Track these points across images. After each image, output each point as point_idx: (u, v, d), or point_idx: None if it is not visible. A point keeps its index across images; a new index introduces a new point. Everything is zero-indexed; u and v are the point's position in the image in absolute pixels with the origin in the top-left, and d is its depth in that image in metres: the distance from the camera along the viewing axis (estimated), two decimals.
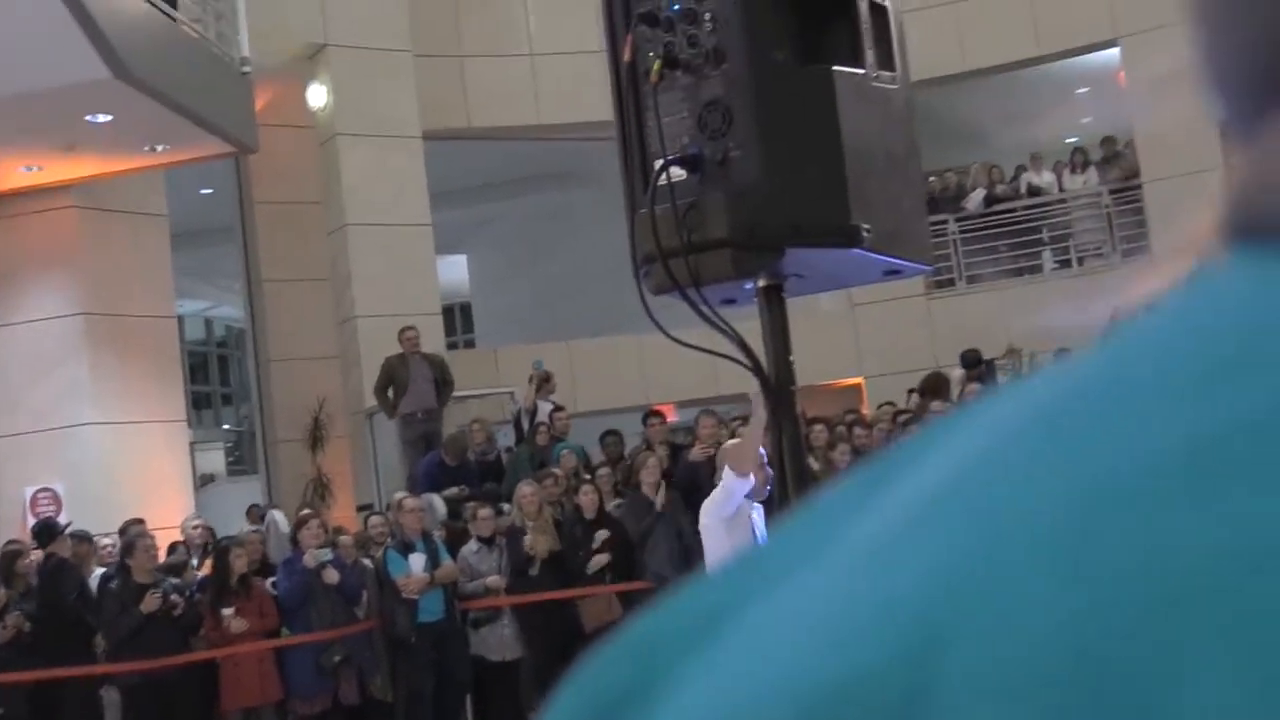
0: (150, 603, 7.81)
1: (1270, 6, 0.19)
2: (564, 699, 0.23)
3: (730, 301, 2.58)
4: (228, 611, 8.04)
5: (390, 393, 11.26)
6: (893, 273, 2.48)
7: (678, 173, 2.38)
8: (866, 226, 2.29)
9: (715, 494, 5.20)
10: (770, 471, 4.90)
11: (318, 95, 13.10)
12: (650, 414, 10.40)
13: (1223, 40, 0.21)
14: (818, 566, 0.20)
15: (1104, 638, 0.15)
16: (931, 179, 13.98)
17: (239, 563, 8.14)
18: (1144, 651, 0.15)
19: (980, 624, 0.16)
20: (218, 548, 8.53)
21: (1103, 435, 0.17)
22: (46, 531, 8.40)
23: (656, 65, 2.37)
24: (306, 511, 9.32)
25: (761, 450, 5.38)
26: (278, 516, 9.93)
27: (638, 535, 8.62)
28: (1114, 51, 14.30)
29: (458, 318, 21.12)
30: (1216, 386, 0.16)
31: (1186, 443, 0.16)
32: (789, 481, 2.46)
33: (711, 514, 5.15)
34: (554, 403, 11.43)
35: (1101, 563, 0.15)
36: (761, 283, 2.48)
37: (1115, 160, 14.51)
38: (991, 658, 0.16)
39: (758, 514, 5.15)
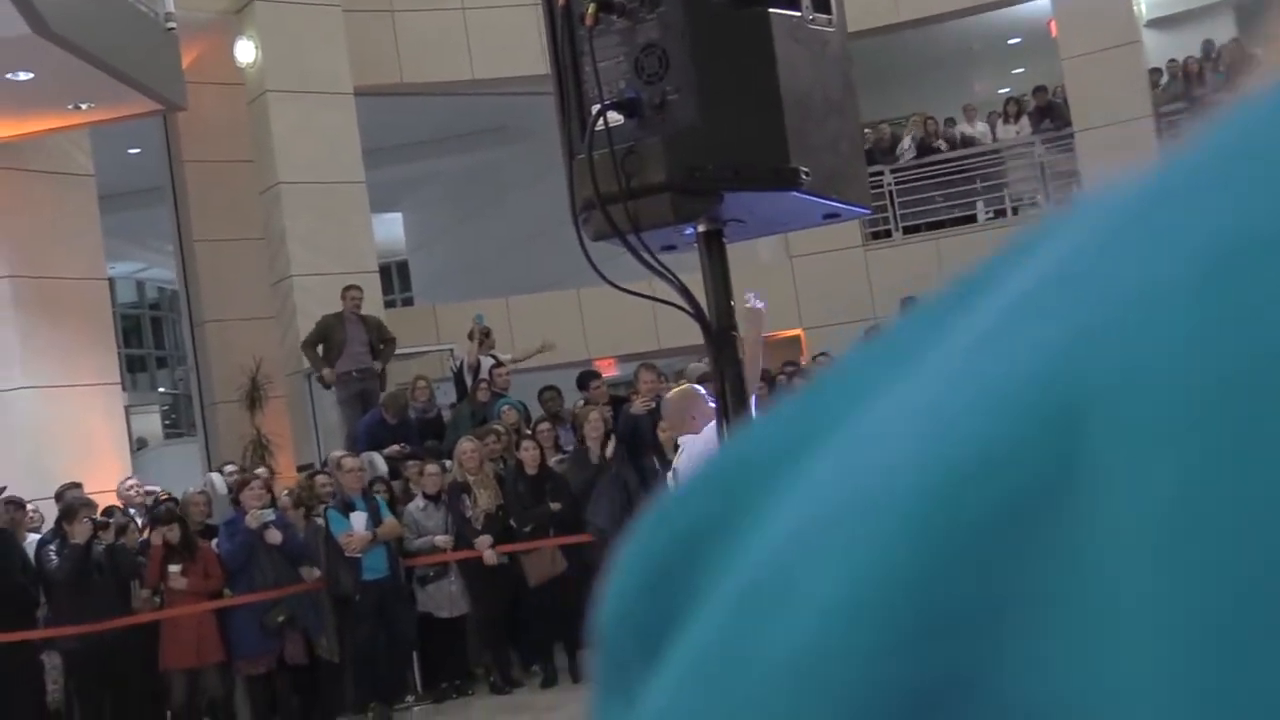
0: (81, 530, 7.71)
1: None
2: (643, 536, 0.22)
3: (670, 248, 2.58)
4: (174, 569, 7.98)
5: (321, 350, 11.16)
6: (832, 215, 2.49)
7: (615, 118, 2.36)
8: (805, 169, 2.29)
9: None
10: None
11: (246, 51, 12.87)
12: (587, 375, 10.38)
13: None
14: (918, 371, 0.20)
15: (1248, 390, 0.15)
16: (866, 130, 14.01)
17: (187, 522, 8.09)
18: None
19: (1126, 378, 0.16)
20: (166, 507, 8.44)
21: (1224, 200, 0.17)
22: None
23: (592, 9, 2.35)
24: (260, 470, 9.24)
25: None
26: (215, 479, 9.84)
27: (580, 489, 8.64)
28: (1045, 1, 14.39)
29: (395, 276, 20.95)
30: None
31: None
32: (731, 427, 2.47)
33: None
34: (495, 358, 11.39)
35: (1240, 312, 0.15)
36: (701, 228, 2.48)
37: (1048, 111, 14.64)
38: (1144, 409, 0.15)
39: None
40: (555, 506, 8.69)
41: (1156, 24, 15.12)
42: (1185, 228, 0.17)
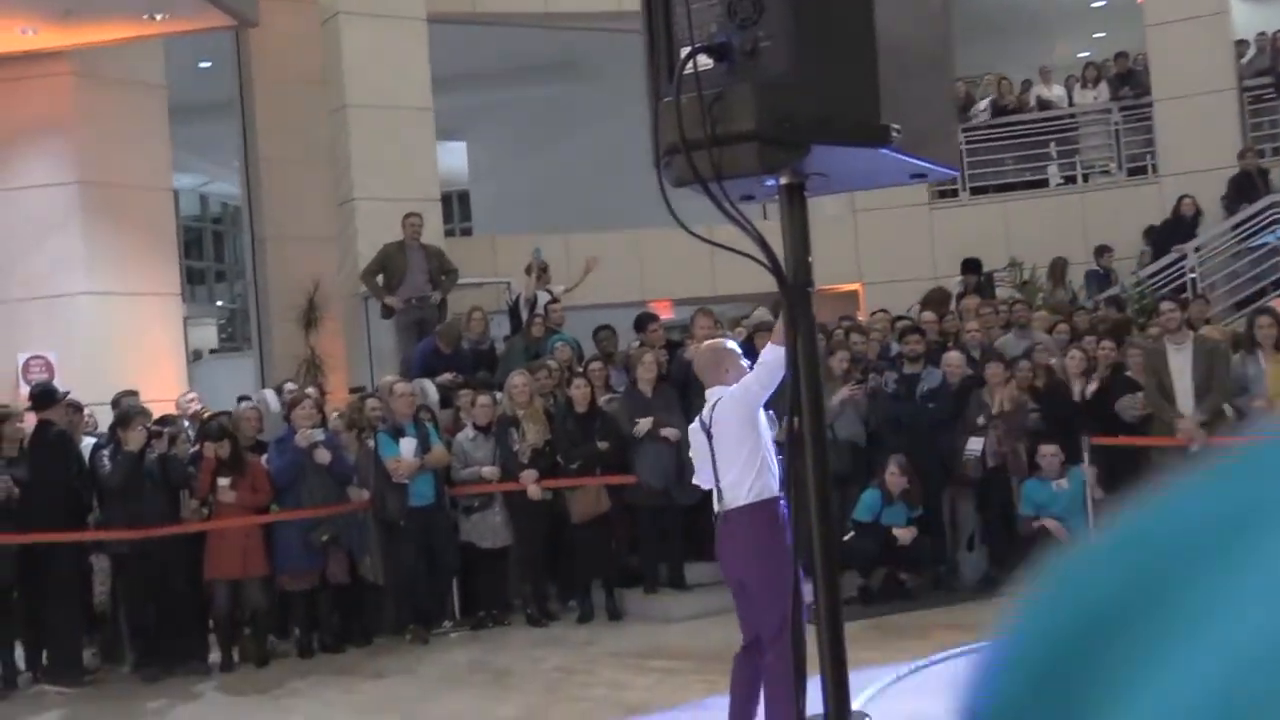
0: (135, 438, 7.82)
1: None
2: (1037, 611, 0.19)
3: (749, 198, 2.54)
4: (224, 481, 8.08)
5: (381, 279, 11.20)
6: (919, 175, 2.43)
7: (704, 62, 2.31)
8: (896, 126, 2.24)
9: (758, 373, 4.97)
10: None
11: None
12: (645, 317, 10.34)
13: None
14: None
15: None
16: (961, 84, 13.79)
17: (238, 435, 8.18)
18: None
19: None
20: (219, 423, 8.53)
21: None
22: (46, 396, 8.35)
23: None
24: (310, 389, 9.31)
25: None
26: (269, 395, 9.94)
27: (630, 436, 8.65)
28: None
29: (455, 205, 20.96)
30: None
31: None
32: (803, 383, 2.44)
33: (754, 397, 4.99)
34: (551, 293, 11.38)
35: None
36: (784, 180, 2.43)
37: (1127, 78, 14.33)
38: None
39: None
40: (603, 446, 8.71)
41: None
42: None
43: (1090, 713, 0.17)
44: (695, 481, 5.35)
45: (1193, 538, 0.18)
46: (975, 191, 14.30)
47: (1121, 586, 0.18)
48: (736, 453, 5.04)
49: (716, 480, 5.09)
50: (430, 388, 9.87)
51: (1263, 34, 14.05)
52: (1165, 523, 0.18)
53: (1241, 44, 13.92)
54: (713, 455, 5.09)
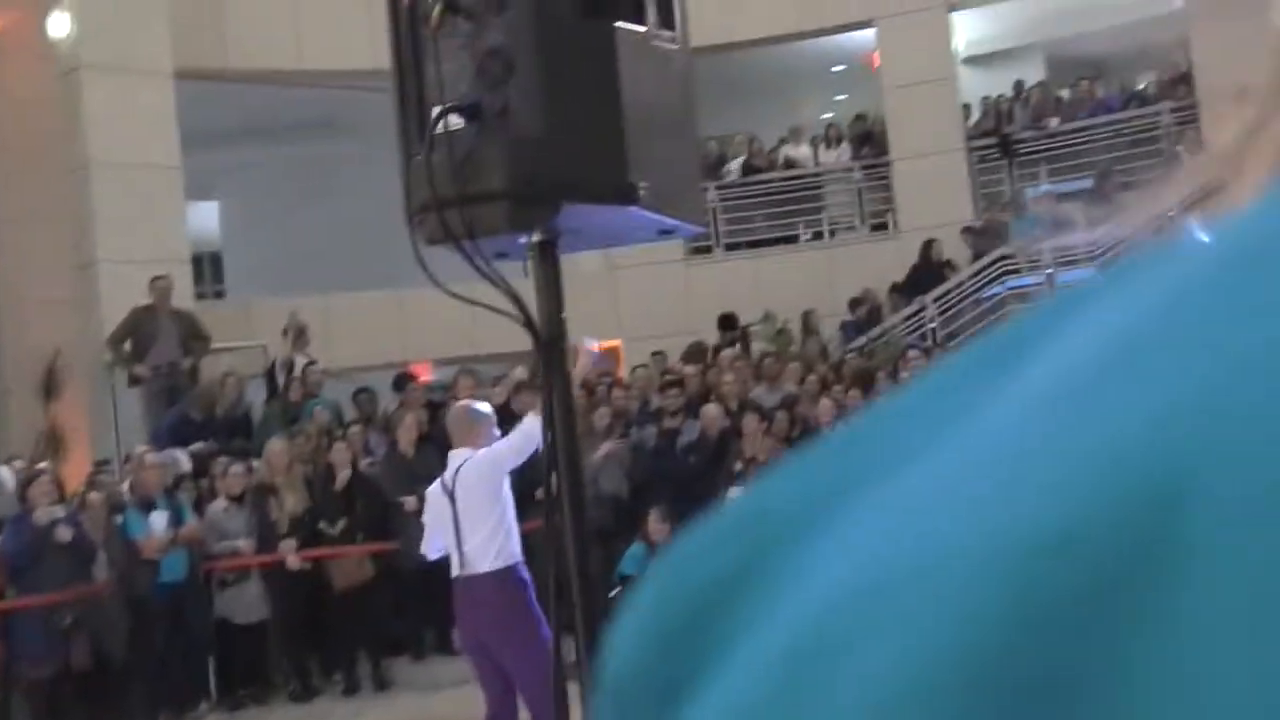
0: None
1: None
2: (656, 587, 0.21)
3: (503, 255, 2.55)
4: None
5: (128, 346, 10.73)
6: (667, 232, 2.50)
7: (455, 121, 2.33)
8: (644, 184, 2.30)
9: (512, 440, 4.99)
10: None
11: (59, 24, 12.30)
12: (403, 378, 10.22)
13: None
14: (972, 431, 0.18)
15: None
16: (712, 142, 14.22)
17: None
18: None
19: (1238, 455, 0.15)
20: None
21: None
22: None
23: (437, 10, 2.31)
24: (44, 463, 8.79)
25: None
26: (2, 472, 9.35)
27: (394, 495, 8.49)
28: (870, 33, 14.82)
29: (207, 267, 20.28)
30: None
31: None
32: (559, 439, 2.45)
33: (505, 463, 5.00)
34: (309, 357, 11.13)
35: None
36: (536, 237, 2.46)
37: (867, 138, 15.07)
38: (1244, 486, 0.15)
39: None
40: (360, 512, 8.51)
41: (971, 61, 15.72)
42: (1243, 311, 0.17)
43: (711, 664, 0.19)
44: (423, 549, 5.26)
45: (789, 510, 0.20)
46: (729, 248, 14.74)
47: (727, 561, 0.20)
48: (483, 517, 5.01)
49: (459, 544, 5.03)
50: (182, 458, 9.48)
51: (987, 97, 15.03)
52: (767, 499, 0.20)
53: (968, 107, 14.85)
54: (456, 519, 5.04)
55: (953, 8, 14.40)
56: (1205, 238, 0.19)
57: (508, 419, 6.09)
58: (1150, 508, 0.16)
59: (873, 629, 0.17)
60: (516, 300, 2.41)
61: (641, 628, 0.20)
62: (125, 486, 8.52)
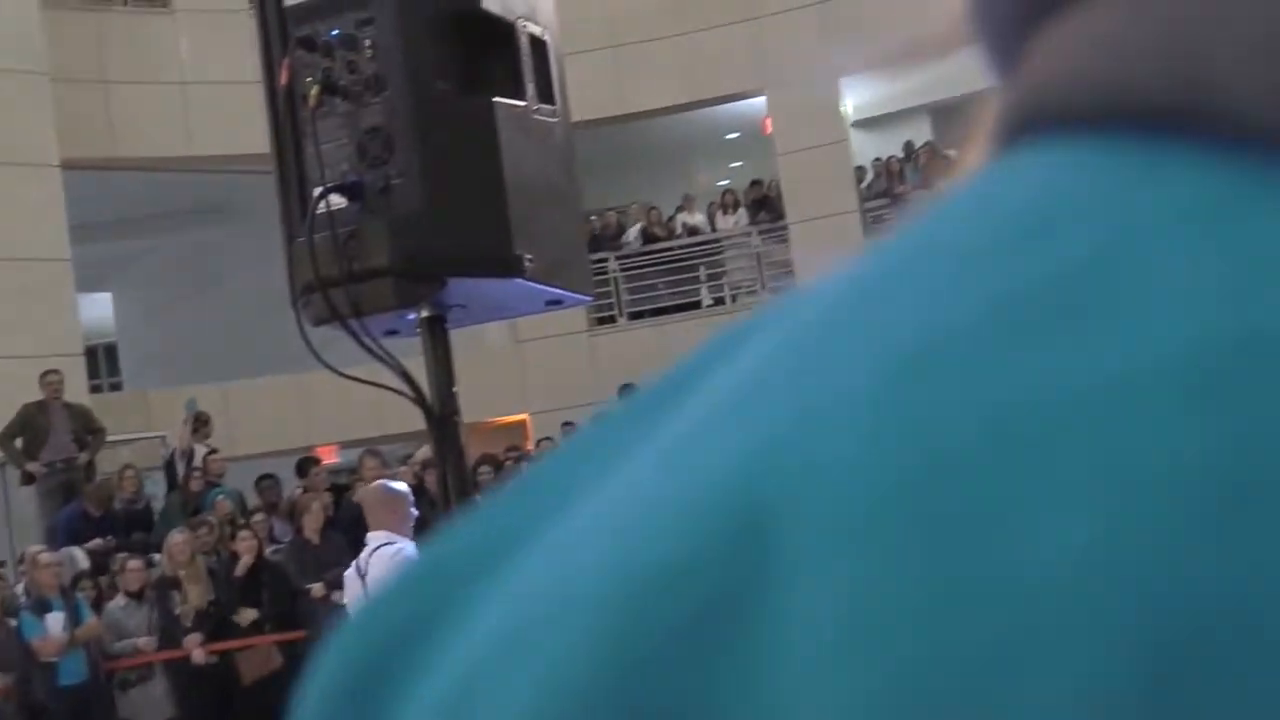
0: None
1: None
2: (341, 644, 0.21)
3: (393, 333, 2.54)
4: None
5: (20, 443, 10.45)
6: (555, 302, 2.51)
7: (337, 201, 2.32)
8: (529, 256, 2.31)
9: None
10: None
11: None
12: (306, 462, 10.08)
13: None
14: (620, 471, 0.19)
15: (922, 487, 0.15)
16: (593, 218, 14.30)
17: None
18: (979, 493, 0.15)
19: (808, 483, 0.16)
20: None
21: (909, 303, 0.17)
22: None
23: (315, 91, 2.31)
24: None
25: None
26: None
27: (302, 582, 8.33)
28: (761, 100, 15.11)
29: (102, 359, 19.88)
30: (1016, 251, 0.17)
31: (990, 302, 0.16)
32: (454, 515, 2.43)
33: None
34: (209, 446, 10.93)
35: (916, 417, 0.16)
36: (424, 313, 2.45)
37: (764, 203, 15.31)
38: (825, 513, 0.16)
39: None
40: (251, 613, 8.32)
41: (862, 125, 16.08)
42: (868, 333, 0.17)
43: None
44: None
45: (470, 558, 0.20)
46: (633, 316, 14.81)
47: (409, 614, 0.20)
48: None
49: None
50: (80, 555, 9.21)
51: (878, 159, 15.37)
52: (451, 548, 0.21)
53: (860, 169, 15.17)
54: None
55: (841, 74, 14.74)
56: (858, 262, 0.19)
57: (422, 498, 6.02)
58: (738, 538, 0.16)
59: (506, 672, 0.17)
60: (407, 377, 2.40)
61: (325, 687, 0.21)
62: (20, 588, 8.25)
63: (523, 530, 0.20)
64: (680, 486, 0.17)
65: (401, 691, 0.19)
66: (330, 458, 12.66)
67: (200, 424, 11.07)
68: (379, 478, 8.03)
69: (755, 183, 15.64)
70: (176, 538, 8.47)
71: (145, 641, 8.21)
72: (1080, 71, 0.18)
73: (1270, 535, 0.14)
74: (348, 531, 8.48)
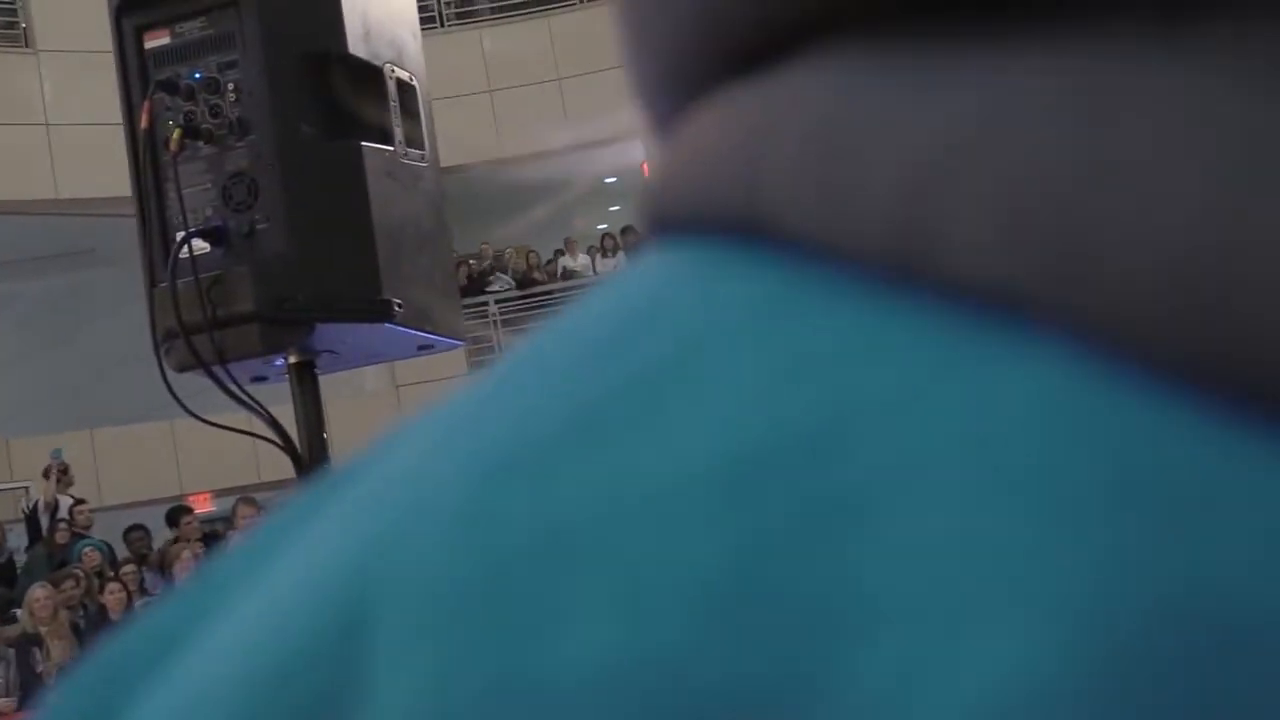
0: None
1: (670, 10, 0.20)
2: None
3: (262, 379, 2.50)
4: None
5: None
6: (426, 347, 2.49)
7: (201, 245, 2.29)
8: (398, 301, 2.30)
9: None
10: None
11: None
12: (177, 511, 9.84)
13: (640, 43, 0.22)
14: (268, 571, 0.20)
15: (486, 590, 0.16)
16: (471, 260, 14.26)
17: None
18: (524, 597, 0.16)
19: (400, 580, 0.17)
20: None
21: (510, 412, 0.18)
22: None
23: (176, 134, 2.28)
24: None
25: None
26: None
27: None
28: (639, 144, 15.25)
29: None
30: (602, 358, 0.18)
31: (576, 408, 0.17)
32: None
33: None
34: (74, 496, 10.60)
35: (488, 524, 0.17)
36: (292, 359, 2.42)
37: (640, 247, 15.40)
38: (407, 621, 0.16)
39: None
40: None
41: None
42: (469, 444, 0.18)
43: None
44: None
45: (142, 653, 0.21)
46: None
47: (83, 710, 0.21)
48: None
49: None
50: None
51: None
52: (130, 642, 0.21)
53: None
54: None
55: None
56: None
57: None
58: (338, 637, 0.17)
59: None
60: (274, 424, 2.37)
61: None
62: None
63: (184, 630, 0.20)
64: (303, 586, 0.18)
65: None
66: (204, 506, 12.36)
67: (64, 474, 10.74)
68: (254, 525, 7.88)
69: (628, 228, 15.75)
70: (37, 593, 8.19)
71: (5, 702, 7.90)
72: (682, 177, 0.20)
73: (764, 644, 0.14)
74: None
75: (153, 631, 0.21)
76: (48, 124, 13.42)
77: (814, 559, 0.15)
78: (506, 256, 15.55)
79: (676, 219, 0.20)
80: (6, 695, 7.87)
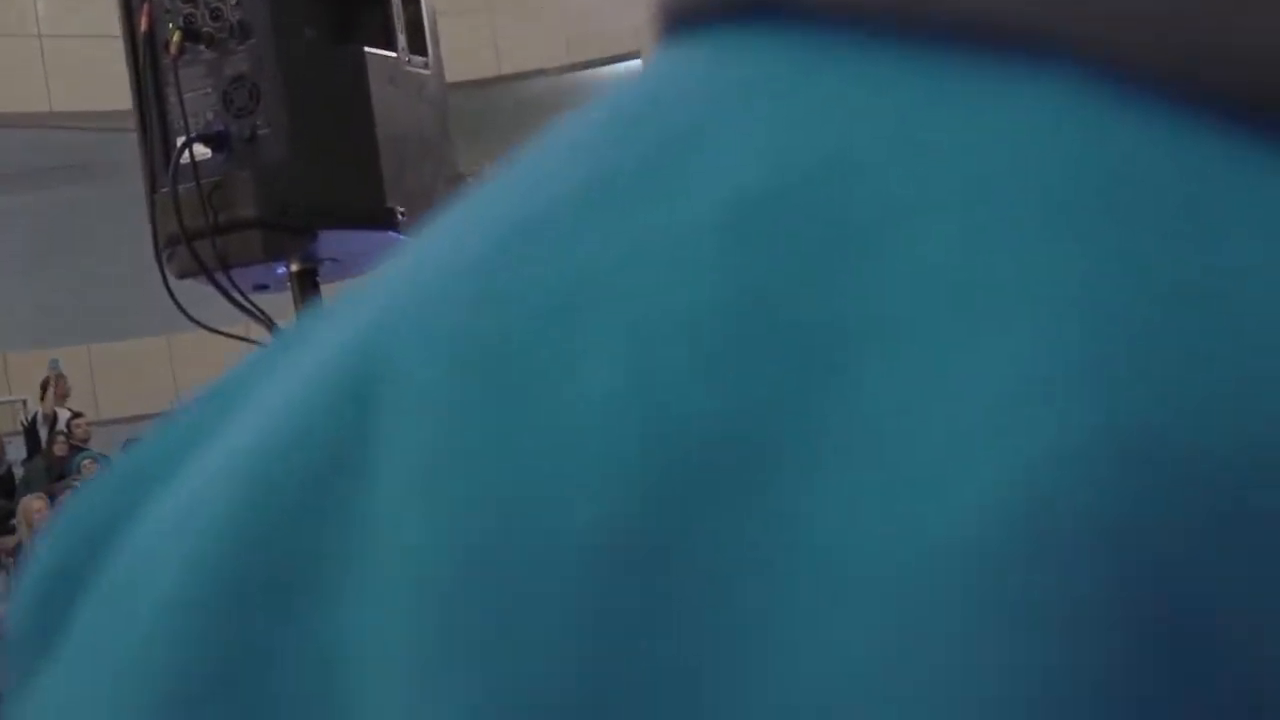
0: None
1: None
2: (53, 534, 0.22)
3: (263, 287, 2.50)
4: None
5: None
6: None
7: (202, 151, 2.27)
8: (401, 209, 2.29)
9: None
10: None
11: None
12: None
13: None
14: (289, 363, 0.20)
15: (496, 347, 0.16)
16: (469, 178, 14.17)
17: None
18: (541, 349, 0.16)
19: (410, 357, 0.17)
20: None
21: (531, 185, 0.19)
22: None
23: (176, 37, 2.25)
24: None
25: None
26: None
27: None
28: (638, 63, 15.11)
29: None
30: (614, 138, 0.18)
31: (593, 176, 0.18)
32: None
33: None
34: (71, 410, 10.64)
35: (508, 281, 0.17)
36: (295, 267, 2.41)
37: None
38: (415, 383, 0.17)
39: None
40: None
41: None
42: (491, 213, 0.19)
43: (76, 608, 0.20)
44: None
45: (156, 462, 0.21)
46: None
47: (105, 513, 0.21)
48: None
49: None
50: None
51: None
52: (144, 453, 0.22)
53: None
54: None
55: None
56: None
57: None
58: (350, 401, 0.17)
59: (160, 556, 0.18)
60: (275, 331, 2.36)
61: (32, 583, 0.22)
62: None
63: (206, 429, 0.21)
64: (314, 365, 0.19)
65: (87, 585, 0.20)
66: None
67: (60, 386, 10.77)
68: None
69: None
70: (33, 504, 8.25)
71: (5, 610, 8.00)
72: None
73: (763, 373, 0.15)
74: None
75: (177, 433, 0.21)
76: (40, 35, 13.27)
77: (817, 289, 0.15)
78: None
79: (687, 9, 0.20)
80: (7, 601, 7.92)
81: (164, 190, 2.27)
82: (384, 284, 0.20)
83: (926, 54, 0.17)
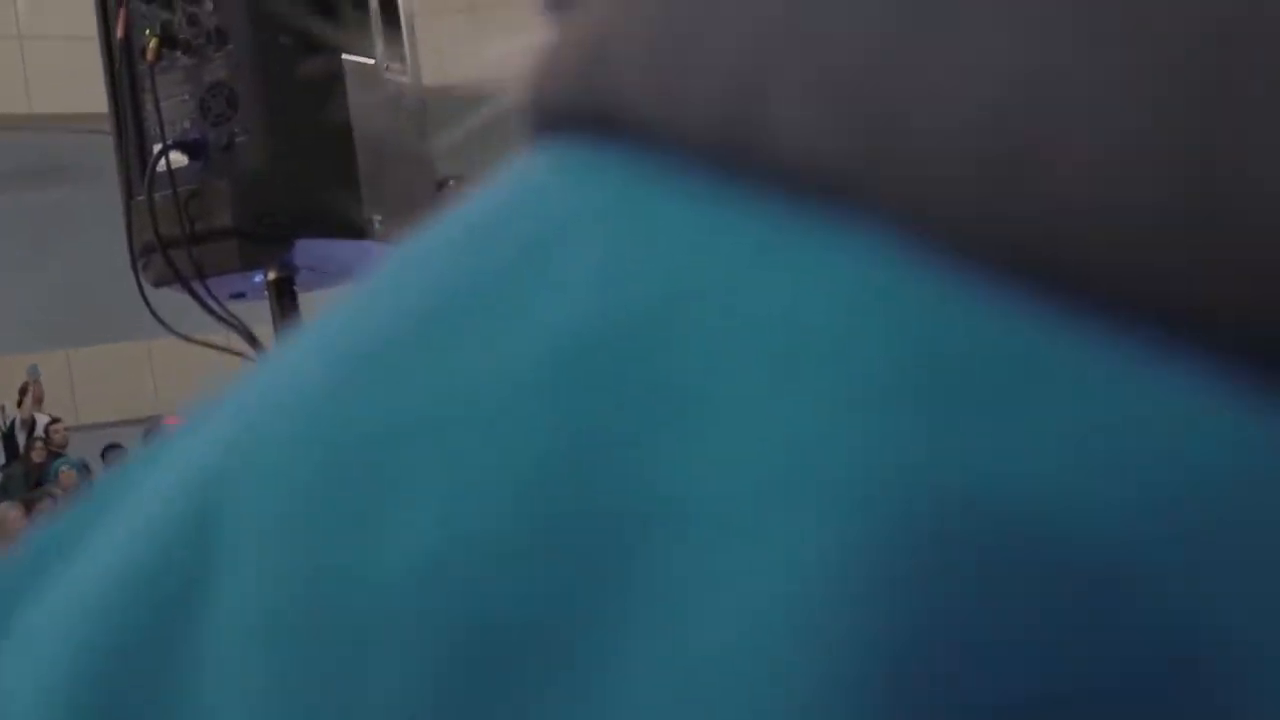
0: None
1: None
2: None
3: (240, 295, 2.48)
4: None
5: None
6: None
7: (178, 159, 2.26)
8: (378, 217, 2.27)
9: None
10: None
11: None
12: (156, 430, 9.85)
13: None
14: (149, 480, 0.20)
15: (325, 487, 0.16)
16: (451, 182, 14.15)
17: None
18: (358, 500, 0.16)
19: (247, 485, 0.17)
20: None
21: (376, 309, 0.19)
22: None
23: (154, 44, 2.24)
24: None
25: None
26: None
27: None
28: None
29: None
30: (457, 260, 0.18)
31: (433, 301, 0.18)
32: None
33: None
34: (50, 415, 10.58)
35: (333, 422, 0.17)
36: (271, 275, 2.40)
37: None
38: (251, 515, 0.17)
39: None
40: None
41: None
42: (337, 338, 0.19)
43: None
44: None
45: (21, 574, 0.21)
46: None
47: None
48: None
49: None
50: None
51: None
52: (7, 567, 0.21)
53: None
54: None
55: None
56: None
57: None
58: (194, 529, 0.17)
59: (19, 679, 0.18)
60: (253, 340, 2.35)
61: None
62: None
63: (71, 542, 0.20)
64: (173, 488, 0.18)
65: None
66: None
67: (38, 391, 10.71)
68: None
69: None
70: (10, 514, 8.19)
71: None
72: (543, 74, 0.20)
73: (565, 557, 0.15)
74: None
75: (43, 544, 0.21)
76: (20, 36, 13.19)
77: (628, 464, 0.15)
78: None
79: (549, 115, 0.20)
80: None
81: (140, 199, 2.26)
82: (248, 394, 0.19)
83: (760, 193, 0.16)
